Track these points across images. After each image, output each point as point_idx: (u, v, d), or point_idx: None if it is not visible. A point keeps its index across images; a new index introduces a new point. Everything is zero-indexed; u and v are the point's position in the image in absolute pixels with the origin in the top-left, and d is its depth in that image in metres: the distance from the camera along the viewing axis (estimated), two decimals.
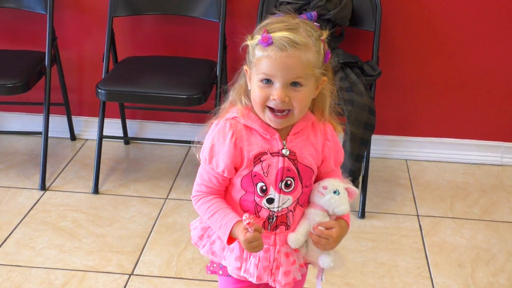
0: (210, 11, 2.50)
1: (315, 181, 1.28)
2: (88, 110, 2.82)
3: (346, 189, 1.24)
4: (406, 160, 2.73)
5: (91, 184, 2.44)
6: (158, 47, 2.67)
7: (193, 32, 2.64)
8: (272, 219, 1.24)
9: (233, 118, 1.23)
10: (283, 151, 1.22)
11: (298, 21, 1.18)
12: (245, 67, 1.22)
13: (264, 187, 1.22)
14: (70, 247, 2.10)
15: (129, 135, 2.82)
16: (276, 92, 1.15)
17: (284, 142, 1.22)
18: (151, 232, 2.19)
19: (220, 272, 1.33)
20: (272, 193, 1.22)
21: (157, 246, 2.11)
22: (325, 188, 1.22)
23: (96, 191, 2.42)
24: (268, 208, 1.23)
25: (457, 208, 2.38)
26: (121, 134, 2.79)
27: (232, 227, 1.19)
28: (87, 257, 2.05)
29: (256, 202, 1.23)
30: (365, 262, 2.06)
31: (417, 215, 2.33)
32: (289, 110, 1.18)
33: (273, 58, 1.14)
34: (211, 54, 2.55)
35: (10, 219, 2.24)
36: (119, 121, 2.76)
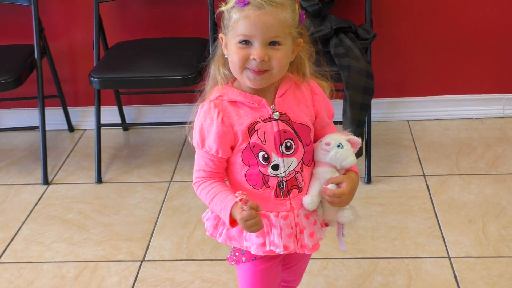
0: None
1: (314, 140, 1.27)
2: (83, 99, 2.79)
3: (348, 140, 1.23)
4: (408, 121, 2.70)
5: (93, 174, 2.42)
6: (148, 30, 2.63)
7: (181, 11, 2.59)
8: (282, 185, 1.22)
9: (216, 98, 1.21)
10: (274, 114, 1.21)
11: None
12: (220, 35, 1.21)
13: (266, 155, 1.20)
14: (79, 238, 2.09)
15: (127, 121, 2.79)
16: (256, 52, 1.14)
17: (273, 106, 1.21)
18: (158, 216, 2.18)
19: (244, 259, 1.30)
20: (275, 158, 1.21)
21: (166, 230, 2.11)
22: (327, 144, 1.21)
23: (99, 180, 2.40)
24: (276, 175, 1.22)
25: (463, 164, 2.36)
26: (118, 121, 2.76)
27: (231, 208, 1.17)
28: (97, 247, 2.04)
29: (262, 173, 1.22)
30: (375, 227, 2.05)
31: (424, 175, 2.31)
32: (267, 70, 1.17)
33: (251, 18, 1.13)
34: (202, 32, 2.51)
35: (17, 216, 2.23)
36: (115, 108, 2.73)
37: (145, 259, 1.98)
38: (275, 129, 1.20)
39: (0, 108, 2.82)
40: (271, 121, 1.21)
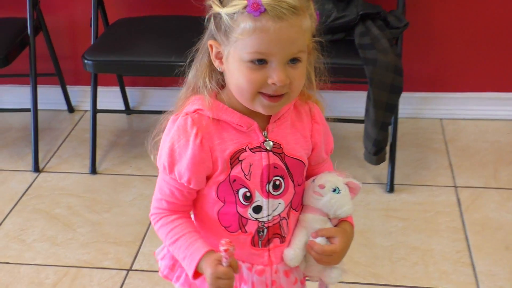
0: None
1: (306, 178, 1.03)
2: (84, 79, 2.54)
3: (347, 184, 1.01)
4: (440, 119, 2.41)
5: (88, 163, 2.21)
6: (155, 6, 2.37)
7: None
8: (263, 231, 0.99)
9: (194, 111, 0.95)
10: (266, 143, 0.96)
11: None
12: (210, 42, 0.93)
13: (248, 193, 0.97)
14: (64, 238, 1.89)
15: (130, 103, 2.57)
16: (276, 74, 0.89)
17: (265, 132, 0.97)
18: None
19: None
20: (259, 199, 0.97)
21: None
22: (322, 187, 0.99)
23: (93, 171, 2.19)
24: (256, 219, 0.99)
25: (502, 176, 2.07)
26: (121, 103, 2.54)
27: (200, 259, 0.94)
28: (81, 250, 1.84)
29: (239, 214, 0.98)
30: (394, 247, 1.79)
31: (455, 186, 2.04)
32: (284, 94, 0.92)
33: (270, 32, 0.87)
34: None
35: (0, 208, 2.04)
36: (118, 89, 2.51)
37: (133, 268, 1.77)
38: (264, 163, 0.96)
39: None
40: (260, 151, 0.96)
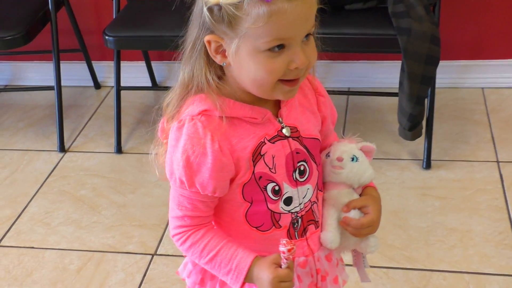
0: None
1: None
2: (110, 54, 2.46)
3: (361, 149, 0.98)
4: (482, 88, 2.27)
5: (113, 142, 2.17)
6: None
7: None
8: (297, 222, 0.93)
9: (200, 113, 0.86)
10: (284, 130, 0.89)
11: None
12: (208, 38, 0.83)
13: (276, 187, 0.90)
14: (88, 221, 1.86)
15: (157, 79, 2.50)
16: (297, 57, 0.82)
17: (279, 119, 0.90)
18: None
19: None
20: (288, 190, 0.91)
21: None
22: (340, 159, 0.95)
23: (119, 150, 2.15)
24: (289, 211, 0.92)
25: None
26: (147, 78, 2.47)
27: (248, 269, 0.87)
28: (106, 234, 1.80)
29: (271, 211, 0.91)
30: (431, 228, 1.69)
31: (497, 161, 1.91)
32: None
33: (287, 13, 0.79)
34: None
35: (26, 190, 2.02)
36: (144, 64, 2.44)
37: (157, 252, 1.72)
38: (286, 151, 0.90)
39: (23, 61, 2.58)
40: (279, 140, 0.89)
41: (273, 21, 0.79)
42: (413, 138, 1.85)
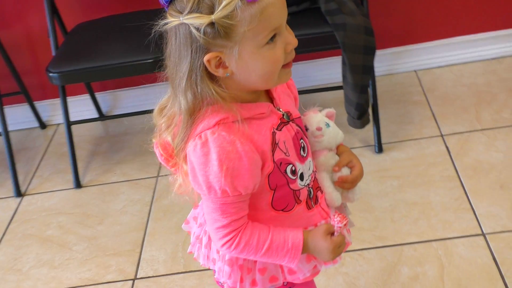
0: None
1: None
2: (51, 92, 2.48)
3: (326, 115, 1.10)
4: (415, 71, 2.40)
5: (71, 178, 2.16)
6: (112, 4, 2.30)
7: None
8: (311, 192, 1.03)
9: (216, 124, 0.91)
10: (284, 117, 0.99)
11: None
12: (207, 57, 0.87)
13: (293, 168, 0.99)
14: (61, 259, 1.85)
15: (103, 109, 2.50)
16: (290, 38, 0.91)
17: (278, 107, 0.99)
18: (147, 221, 1.92)
19: None
20: (299, 167, 1.00)
21: (157, 237, 1.85)
22: (319, 129, 1.07)
23: (78, 185, 2.14)
24: (304, 185, 1.02)
25: (485, 116, 2.07)
26: (93, 110, 2.47)
27: (302, 246, 0.97)
28: (81, 269, 1.80)
29: (293, 190, 1.00)
30: (393, 206, 1.79)
31: (441, 135, 2.03)
32: None
33: (275, 3, 0.87)
34: None
35: None
36: (88, 97, 2.44)
37: (137, 276, 1.73)
38: (292, 134, 0.99)
39: None
40: (284, 125, 0.98)
41: (265, 15, 0.85)
42: (363, 125, 1.95)
